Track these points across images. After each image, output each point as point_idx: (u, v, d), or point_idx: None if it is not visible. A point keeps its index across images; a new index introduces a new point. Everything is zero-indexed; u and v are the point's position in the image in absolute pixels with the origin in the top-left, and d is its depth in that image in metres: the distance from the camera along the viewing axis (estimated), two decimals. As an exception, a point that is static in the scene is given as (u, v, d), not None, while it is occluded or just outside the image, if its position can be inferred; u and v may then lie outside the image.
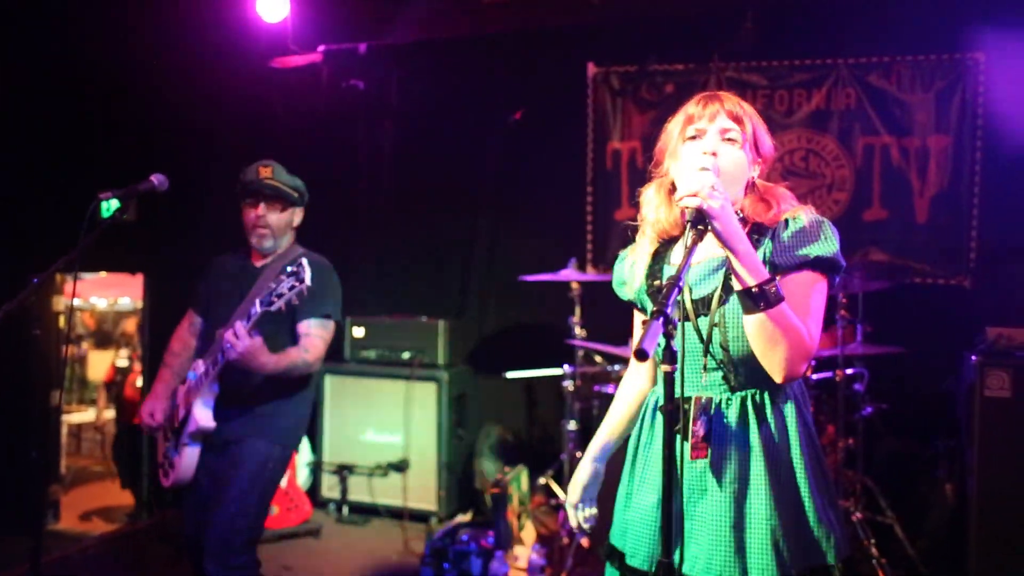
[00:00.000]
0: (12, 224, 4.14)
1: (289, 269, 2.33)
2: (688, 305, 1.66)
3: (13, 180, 4.22)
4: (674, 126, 1.77)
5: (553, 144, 4.60)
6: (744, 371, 1.64)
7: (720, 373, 1.65)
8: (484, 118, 4.67)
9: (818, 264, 1.61)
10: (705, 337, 1.64)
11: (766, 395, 1.66)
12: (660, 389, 1.76)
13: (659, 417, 1.73)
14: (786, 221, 1.67)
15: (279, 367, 2.48)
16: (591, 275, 4.12)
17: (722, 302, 1.64)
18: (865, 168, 4.15)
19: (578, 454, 3.86)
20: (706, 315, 1.65)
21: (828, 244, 1.61)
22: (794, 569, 1.59)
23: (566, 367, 3.86)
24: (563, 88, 4.59)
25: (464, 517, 4.12)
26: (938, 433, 3.73)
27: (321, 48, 4.81)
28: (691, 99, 1.75)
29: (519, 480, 3.82)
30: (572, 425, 3.83)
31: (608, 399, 3.78)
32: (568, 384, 3.84)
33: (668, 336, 1.41)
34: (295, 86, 4.85)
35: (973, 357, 3.30)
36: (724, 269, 1.66)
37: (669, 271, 1.76)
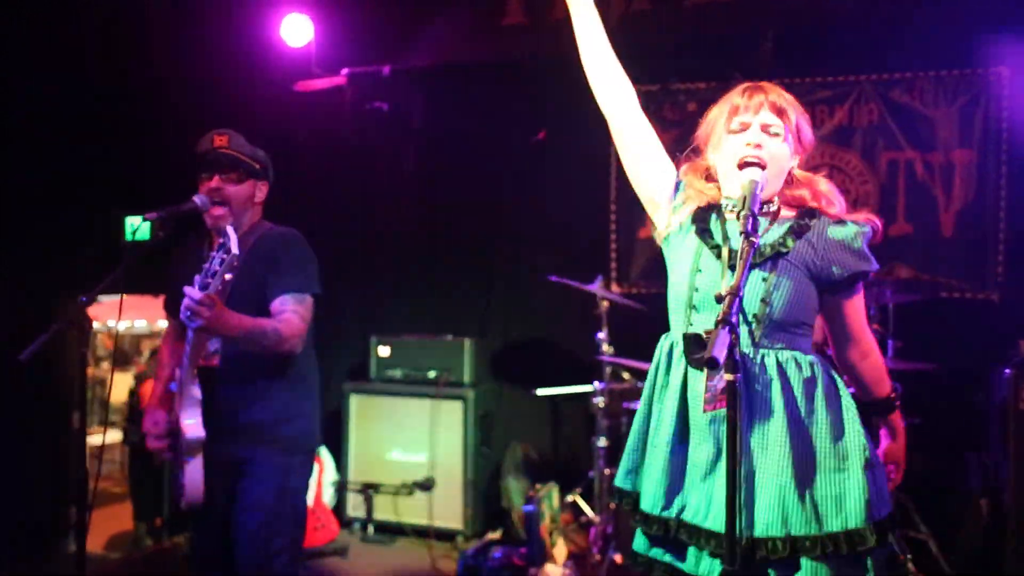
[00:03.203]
0: (30, 242, 4.18)
1: (219, 242, 2.09)
2: (726, 256, 1.69)
3: (38, 198, 4.27)
4: (717, 115, 1.82)
5: (576, 163, 4.62)
6: (776, 330, 1.68)
7: (747, 328, 1.67)
8: (507, 138, 4.70)
9: (866, 276, 1.75)
10: (746, 289, 1.65)
11: (795, 354, 1.69)
12: (674, 329, 1.79)
13: (675, 364, 1.74)
14: (843, 222, 1.74)
15: (244, 327, 2.22)
16: (615, 295, 4.12)
17: (776, 265, 1.68)
18: (889, 183, 4.16)
19: (607, 471, 3.85)
20: (756, 267, 1.67)
21: (872, 260, 1.74)
22: (807, 530, 1.60)
23: (596, 384, 3.85)
24: (586, 108, 4.60)
25: (494, 535, 4.10)
26: (971, 447, 3.71)
27: (345, 71, 4.86)
28: (735, 88, 1.79)
29: (551, 497, 3.81)
30: (602, 442, 3.82)
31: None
32: (599, 401, 3.84)
33: (732, 346, 1.43)
34: (319, 109, 4.90)
35: (1007, 371, 3.29)
36: (785, 226, 1.72)
37: (715, 229, 1.76)
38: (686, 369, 1.71)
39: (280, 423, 2.41)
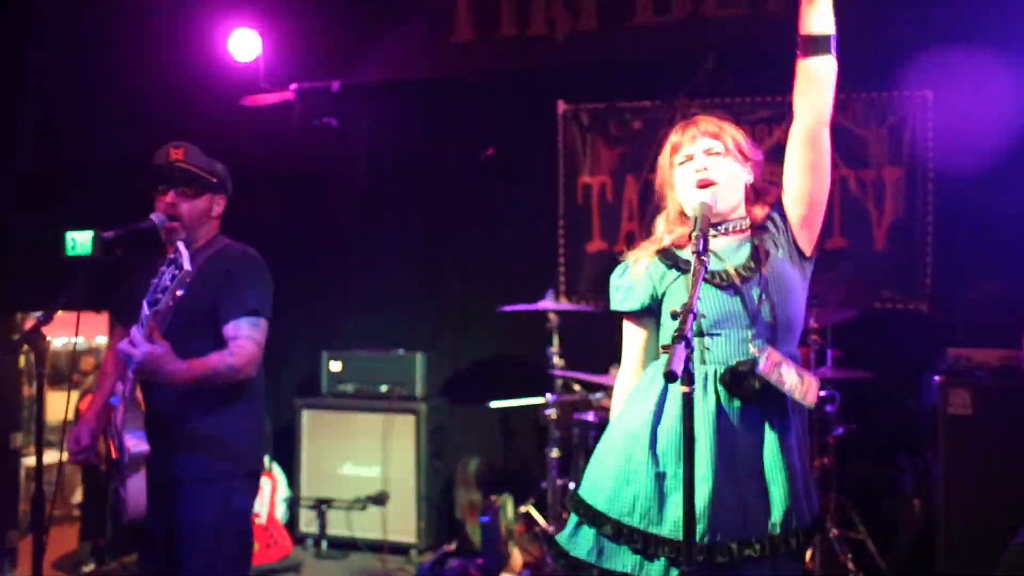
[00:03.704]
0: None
1: (169, 257, 2.00)
2: (732, 273, 1.78)
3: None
4: (664, 159, 1.93)
5: (525, 179, 4.70)
6: (787, 335, 1.80)
7: (764, 339, 1.77)
8: (456, 154, 4.76)
9: None
10: (756, 302, 1.76)
11: (794, 356, 1.83)
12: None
13: (707, 388, 1.76)
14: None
15: (195, 375, 2.16)
16: (568, 305, 4.21)
17: (762, 273, 1.78)
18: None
19: (559, 482, 3.93)
20: (748, 282, 1.77)
21: None
22: (797, 524, 1.75)
23: (549, 396, 3.92)
24: (534, 125, 4.71)
25: (449, 547, 4.13)
26: (904, 451, 3.89)
27: (293, 86, 4.85)
28: (672, 130, 1.92)
29: (505, 508, 3.86)
30: (555, 453, 3.89)
31: (587, 427, 3.87)
32: (550, 412, 3.91)
33: (687, 360, 1.51)
34: (267, 124, 4.87)
35: (936, 377, 3.48)
36: (748, 244, 1.84)
37: (685, 255, 1.86)
38: (718, 393, 1.76)
39: (222, 439, 2.33)
